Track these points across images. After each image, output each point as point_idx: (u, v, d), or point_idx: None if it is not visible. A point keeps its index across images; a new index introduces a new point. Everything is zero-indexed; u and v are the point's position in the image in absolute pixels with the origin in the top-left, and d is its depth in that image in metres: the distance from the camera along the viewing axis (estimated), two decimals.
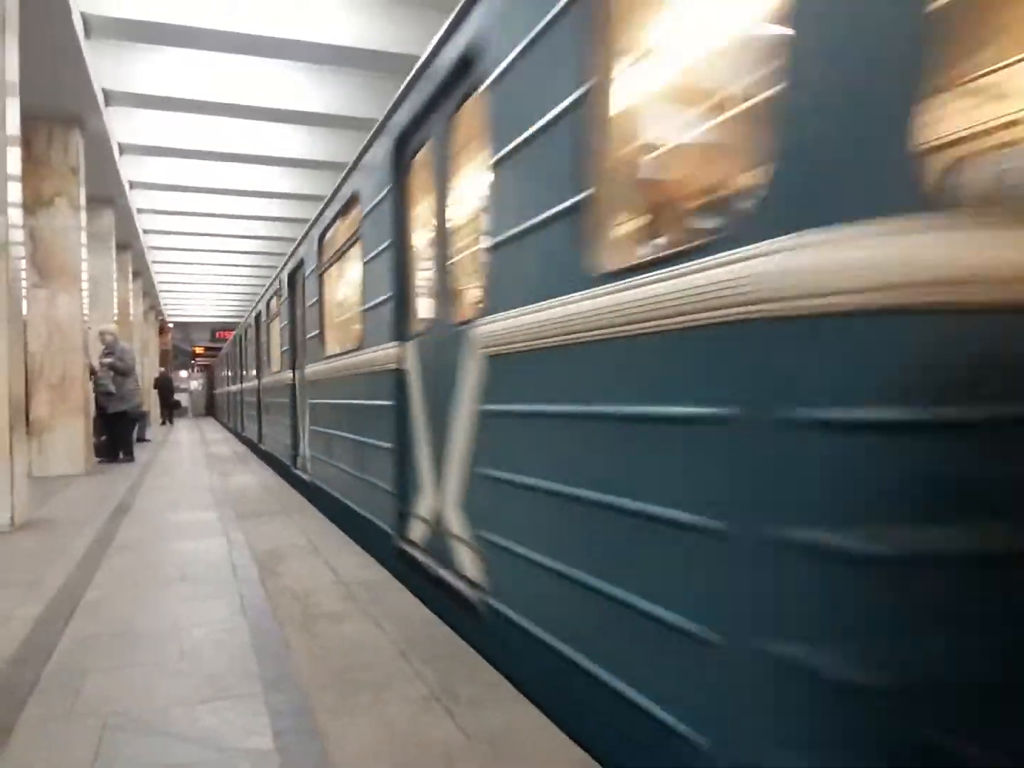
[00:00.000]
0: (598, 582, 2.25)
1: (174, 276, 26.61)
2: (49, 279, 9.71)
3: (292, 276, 8.83)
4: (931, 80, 1.44)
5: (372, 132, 4.86)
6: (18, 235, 6.08)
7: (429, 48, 3.74)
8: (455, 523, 3.55)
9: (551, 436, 2.57)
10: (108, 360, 11.03)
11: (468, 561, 3.42)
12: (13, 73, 6.00)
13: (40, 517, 6.42)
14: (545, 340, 2.52)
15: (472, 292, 4.26)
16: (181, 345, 41.05)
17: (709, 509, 1.77)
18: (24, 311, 6.49)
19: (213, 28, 8.79)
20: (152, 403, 22.56)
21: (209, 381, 39.18)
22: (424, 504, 4.03)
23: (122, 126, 11.76)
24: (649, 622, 2.00)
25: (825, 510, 1.52)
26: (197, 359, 41.90)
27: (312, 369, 7.20)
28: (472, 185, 3.92)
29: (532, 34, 2.59)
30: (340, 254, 6.29)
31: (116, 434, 11.50)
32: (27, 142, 8.31)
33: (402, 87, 4.18)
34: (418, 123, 4.09)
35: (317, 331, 7.01)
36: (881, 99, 1.45)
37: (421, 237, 4.40)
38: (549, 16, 2.46)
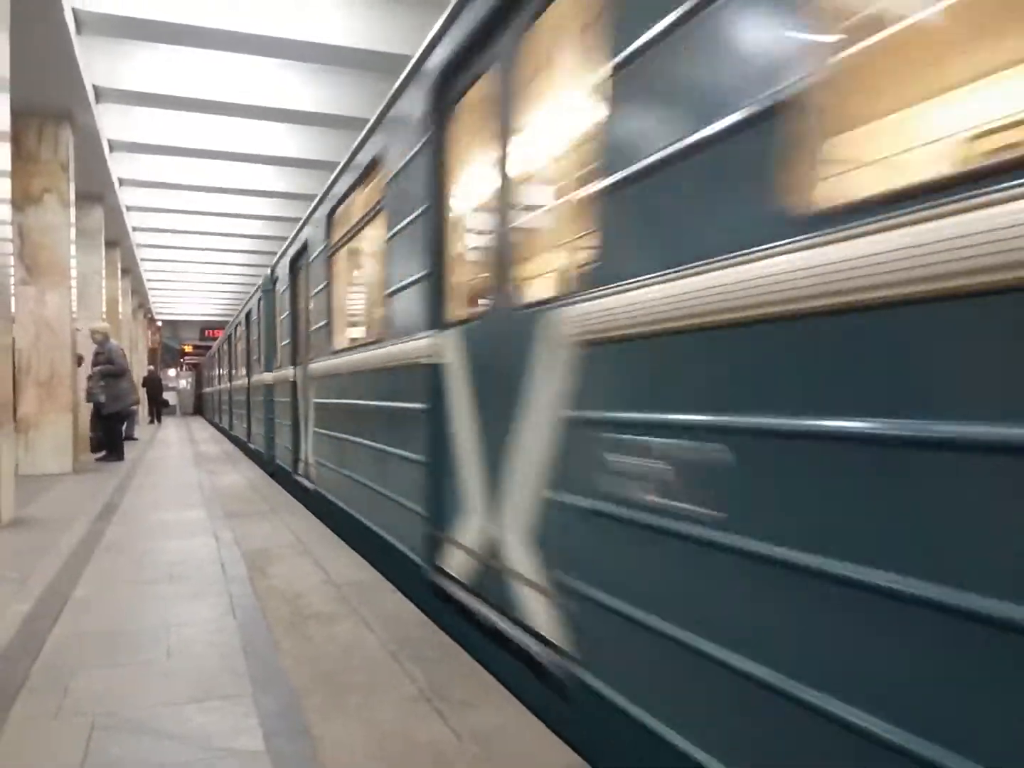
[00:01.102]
0: None
1: (163, 274, 26.49)
2: (37, 276, 9.64)
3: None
4: None
5: None
6: (6, 232, 6.05)
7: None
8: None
9: None
10: (98, 368, 10.96)
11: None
12: (4, 68, 5.96)
13: (28, 515, 6.37)
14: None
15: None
16: (169, 343, 40.89)
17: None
18: (12, 308, 6.45)
19: (205, 26, 8.75)
20: (140, 402, 22.46)
21: (198, 380, 39.04)
22: None
23: (112, 123, 11.70)
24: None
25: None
26: (185, 358, 41.76)
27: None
28: None
29: None
30: None
31: (106, 433, 11.47)
32: (17, 138, 8.27)
33: None
34: None
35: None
36: None
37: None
38: None
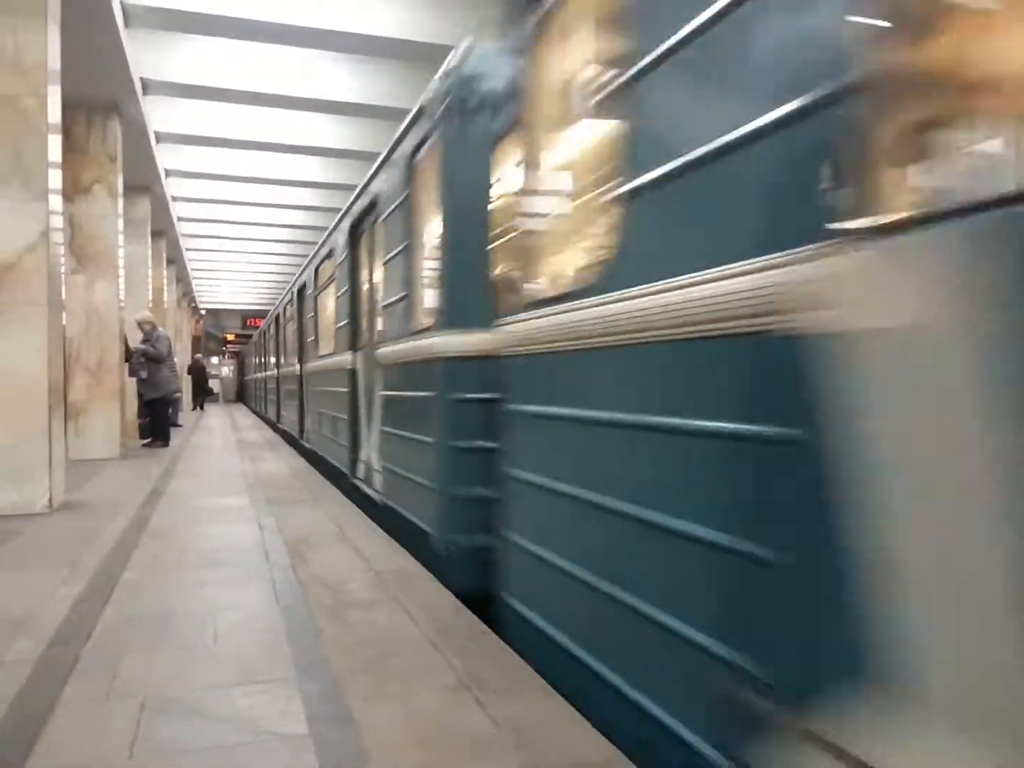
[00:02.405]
0: None
1: (206, 263, 26.91)
2: (87, 265, 9.88)
3: None
4: None
5: None
6: (58, 222, 6.18)
7: None
8: None
9: None
10: (141, 347, 11.21)
11: None
12: (55, 62, 6.10)
13: (77, 500, 6.54)
14: None
15: None
16: (212, 332, 41.57)
17: None
18: (63, 296, 6.60)
19: (250, 18, 8.84)
20: (185, 389, 22.88)
21: (240, 368, 39.66)
22: None
23: (159, 114, 11.89)
24: None
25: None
26: (228, 346, 42.46)
27: None
28: None
29: None
30: None
31: (152, 419, 11.74)
32: (67, 130, 8.41)
33: None
34: None
35: None
36: None
37: None
38: None
